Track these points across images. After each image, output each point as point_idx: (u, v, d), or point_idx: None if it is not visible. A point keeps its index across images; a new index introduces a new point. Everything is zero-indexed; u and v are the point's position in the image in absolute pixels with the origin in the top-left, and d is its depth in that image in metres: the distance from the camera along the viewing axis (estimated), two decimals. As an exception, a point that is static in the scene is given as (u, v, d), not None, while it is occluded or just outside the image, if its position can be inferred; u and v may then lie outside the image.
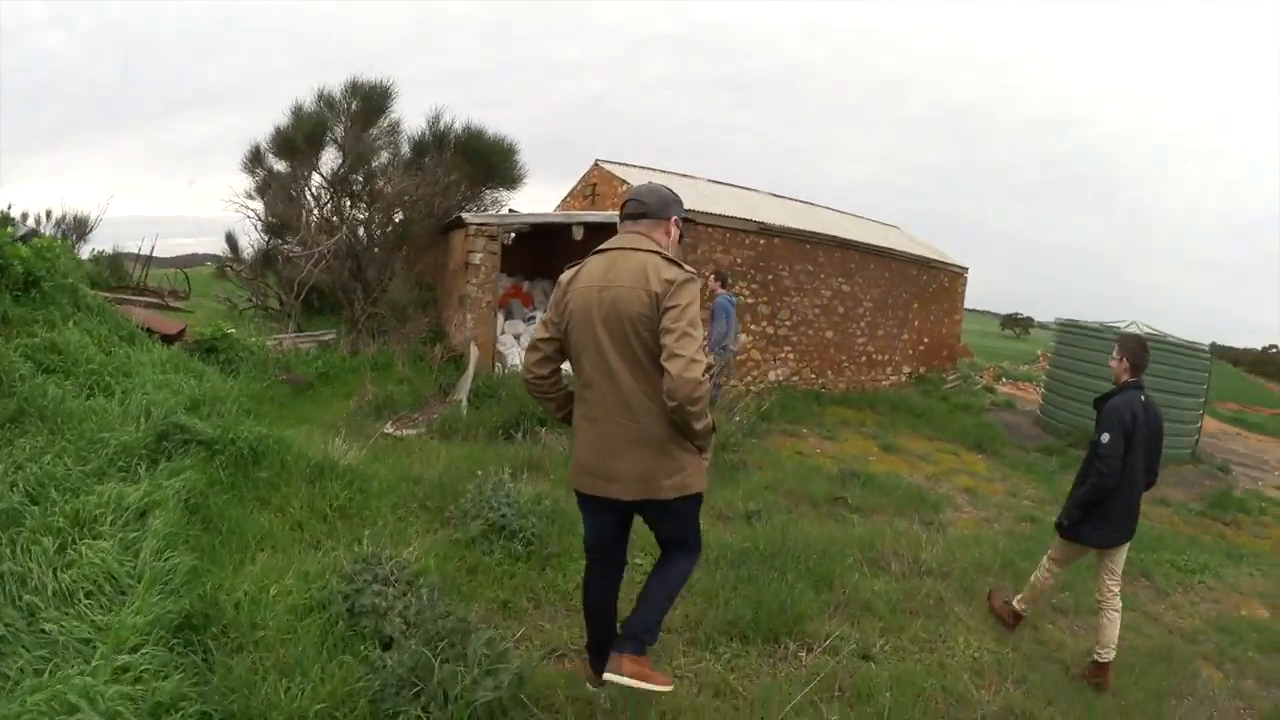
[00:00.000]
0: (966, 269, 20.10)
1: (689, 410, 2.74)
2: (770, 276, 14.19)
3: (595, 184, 15.57)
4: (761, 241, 13.94)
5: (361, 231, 13.52)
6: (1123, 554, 4.61)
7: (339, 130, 13.72)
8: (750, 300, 13.84)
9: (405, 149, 14.01)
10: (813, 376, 15.33)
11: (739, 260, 13.56)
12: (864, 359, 16.71)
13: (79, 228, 22.86)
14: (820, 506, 7.32)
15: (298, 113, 13.82)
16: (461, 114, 15.71)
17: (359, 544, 4.17)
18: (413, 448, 7.38)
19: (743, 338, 13.26)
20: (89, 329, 7.32)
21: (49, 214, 23.00)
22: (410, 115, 14.27)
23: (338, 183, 13.52)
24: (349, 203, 13.56)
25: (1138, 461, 4.45)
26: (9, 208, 20.31)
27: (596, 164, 15.77)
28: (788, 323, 14.68)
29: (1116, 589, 4.53)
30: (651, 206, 3.11)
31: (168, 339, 8.85)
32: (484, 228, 11.53)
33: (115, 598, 3.13)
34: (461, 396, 9.85)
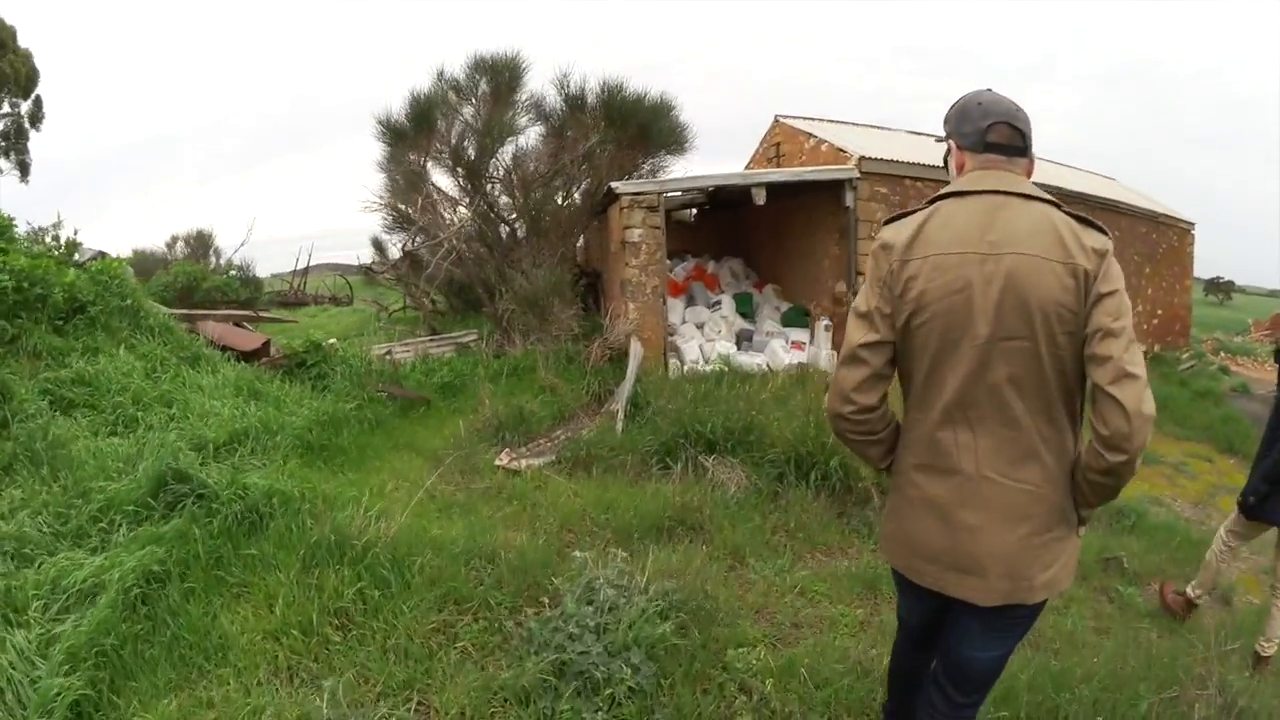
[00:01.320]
0: (1194, 224, 16.89)
1: (1128, 468, 1.79)
2: (987, 241, 11.36)
3: (779, 143, 13.21)
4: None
5: (494, 217, 11.48)
6: None
7: (466, 111, 11.91)
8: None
9: (531, 120, 11.88)
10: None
11: (953, 221, 10.82)
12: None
13: (202, 244, 22.67)
14: (1090, 578, 5.13)
15: (415, 100, 11.92)
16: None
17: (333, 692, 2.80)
18: (523, 490, 5.68)
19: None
20: (146, 352, 7.02)
21: (175, 238, 23.00)
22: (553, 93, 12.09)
23: (461, 165, 11.51)
24: (471, 186, 11.52)
25: None
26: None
27: (777, 120, 13.43)
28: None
29: None
30: (1029, 137, 2.02)
31: (245, 357, 7.97)
32: (640, 197, 9.29)
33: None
34: (619, 407, 7.75)
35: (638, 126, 11.21)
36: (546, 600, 3.75)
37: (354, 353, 9.05)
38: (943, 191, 2.03)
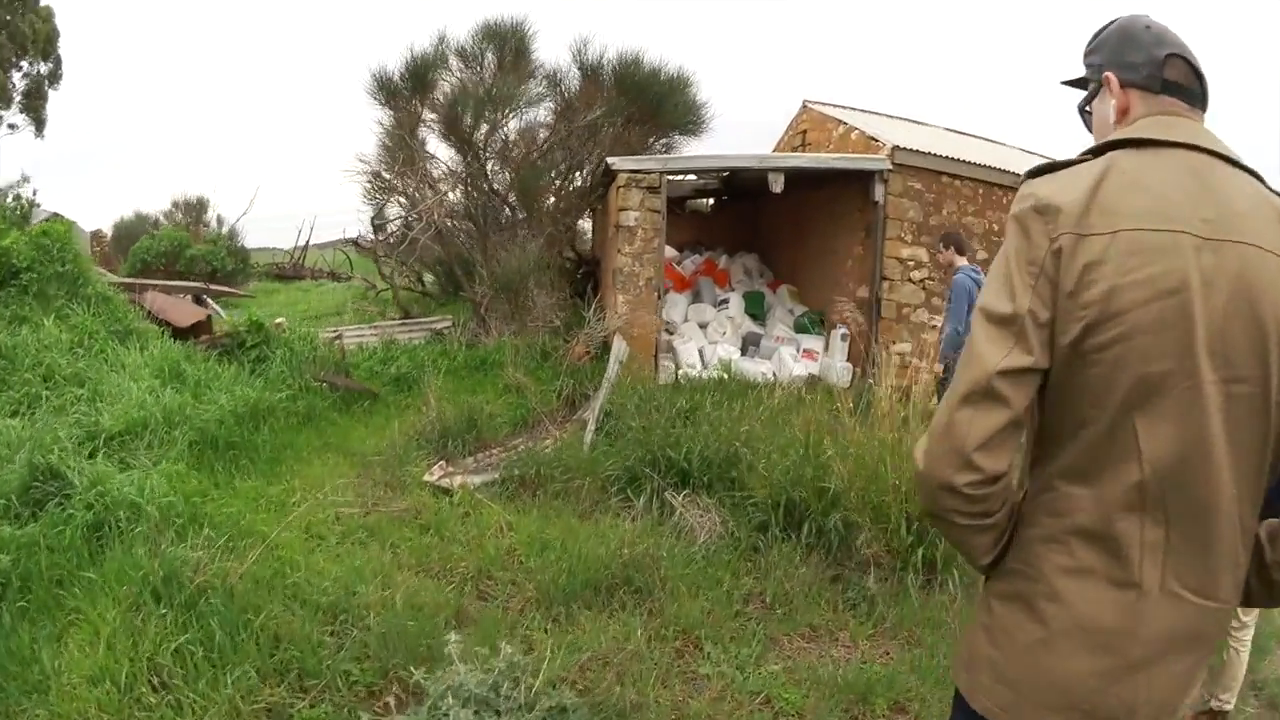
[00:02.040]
0: None
1: None
2: (1031, 250, 10.13)
3: (805, 130, 11.97)
4: (1021, 201, 9.91)
5: (486, 191, 10.43)
6: None
7: (467, 76, 10.88)
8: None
9: (543, 91, 10.75)
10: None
11: (995, 226, 9.60)
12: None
13: (197, 210, 21.98)
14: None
15: (413, 58, 10.86)
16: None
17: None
18: (445, 517, 4.75)
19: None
20: (76, 324, 6.70)
21: (175, 203, 22.45)
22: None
23: (454, 133, 10.44)
24: (464, 156, 10.46)
25: None
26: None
27: (805, 106, 12.16)
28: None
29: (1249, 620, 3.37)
30: (1207, 86, 1.42)
31: (180, 334, 7.46)
32: (639, 176, 8.18)
33: None
34: (591, 416, 6.68)
35: (650, 101, 10.03)
36: (399, 698, 2.74)
37: (300, 335, 8.11)
38: (1112, 138, 1.37)
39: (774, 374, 8.65)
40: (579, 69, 10.48)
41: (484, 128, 10.46)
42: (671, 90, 10.10)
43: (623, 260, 8.27)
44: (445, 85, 10.93)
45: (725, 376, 8.32)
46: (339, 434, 6.51)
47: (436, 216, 10.67)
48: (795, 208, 10.46)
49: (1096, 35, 1.50)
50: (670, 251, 12.38)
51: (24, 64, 22.56)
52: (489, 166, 10.49)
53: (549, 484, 5.26)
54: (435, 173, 11.14)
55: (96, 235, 22.02)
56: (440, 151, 10.92)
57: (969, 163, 9.26)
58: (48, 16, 22.19)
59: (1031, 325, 1.25)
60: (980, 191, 9.45)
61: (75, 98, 67.52)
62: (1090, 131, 1.52)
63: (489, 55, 10.87)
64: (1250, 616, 3.43)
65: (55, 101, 23.59)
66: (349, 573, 3.73)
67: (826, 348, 9.09)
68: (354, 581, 3.63)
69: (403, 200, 11.64)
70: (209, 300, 12.15)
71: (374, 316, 12.38)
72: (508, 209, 10.27)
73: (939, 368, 6.40)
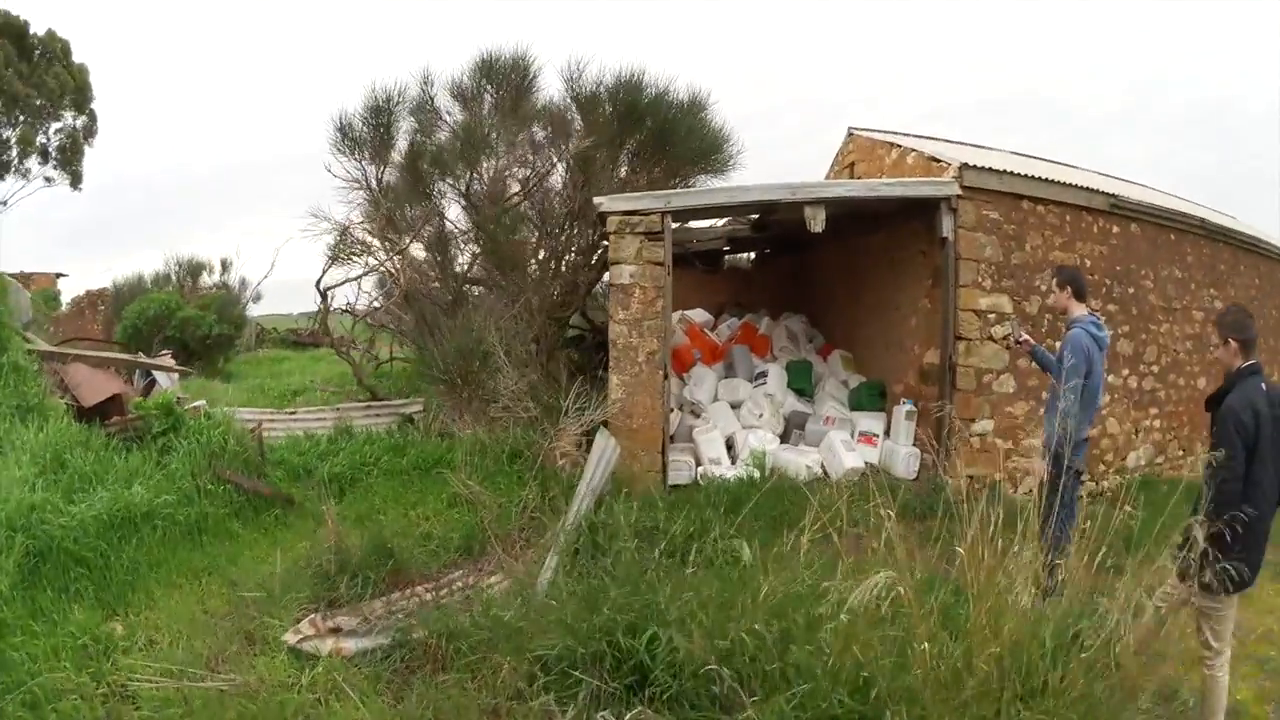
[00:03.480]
0: None
1: None
2: (1130, 289, 8.10)
3: (853, 163, 10.05)
4: (1115, 230, 7.91)
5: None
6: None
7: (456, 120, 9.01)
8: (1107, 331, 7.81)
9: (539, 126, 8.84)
10: (1180, 454, 9.09)
11: (1087, 261, 7.60)
12: (1231, 418, 10.27)
13: (192, 271, 20.55)
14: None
15: (374, 100, 9.09)
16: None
17: None
18: (285, 710, 3.34)
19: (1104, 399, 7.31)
20: None
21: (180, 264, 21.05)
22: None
23: (419, 181, 8.63)
24: (428, 205, 8.62)
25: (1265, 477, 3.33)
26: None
27: (851, 135, 10.30)
28: (1155, 367, 8.51)
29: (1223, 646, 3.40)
30: None
31: (85, 413, 6.61)
32: (633, 219, 6.26)
33: None
34: (552, 547, 4.93)
35: (656, 130, 8.07)
36: None
37: (216, 422, 6.59)
38: None
39: (823, 466, 6.62)
40: (573, 99, 8.54)
41: (456, 178, 8.64)
42: (682, 115, 8.11)
43: (617, 329, 6.32)
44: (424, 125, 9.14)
45: (758, 475, 6.32)
46: (231, 552, 5.32)
47: (402, 279, 8.82)
48: (848, 257, 8.54)
49: None
50: (701, 315, 10.45)
51: (61, 117, 22.91)
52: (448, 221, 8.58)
53: (459, 659, 3.58)
54: (400, 228, 9.28)
55: (95, 296, 20.78)
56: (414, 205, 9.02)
57: (1058, 182, 7.30)
58: (82, 72, 22.55)
59: None
60: (1069, 219, 7.48)
61: (114, 151, 67.27)
62: None
63: (487, 96, 9.03)
64: (1224, 642, 3.39)
65: (93, 156, 23.79)
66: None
67: (888, 430, 7.05)
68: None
69: (371, 260, 9.77)
70: (161, 375, 10.21)
71: (339, 397, 10.44)
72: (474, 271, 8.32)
73: (1043, 464, 4.44)
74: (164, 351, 12.95)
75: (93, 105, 23.22)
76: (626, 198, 6.44)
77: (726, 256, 11.38)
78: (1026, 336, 5.09)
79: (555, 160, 8.06)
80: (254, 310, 20.37)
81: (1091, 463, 7.86)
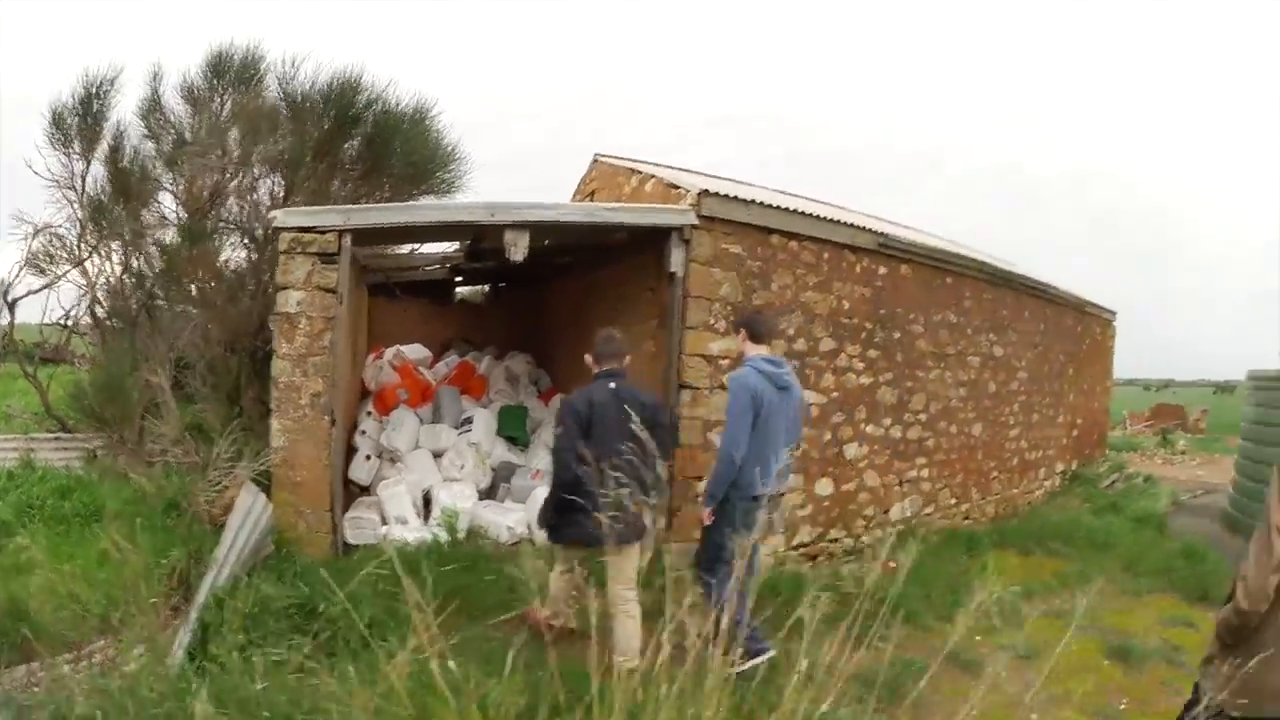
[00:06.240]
0: (1115, 315, 14.55)
1: None
2: (896, 334, 7.71)
3: (595, 189, 9.31)
4: (882, 271, 7.49)
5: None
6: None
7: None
8: (866, 378, 7.34)
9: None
10: (952, 502, 8.88)
11: (845, 304, 7.11)
12: (1015, 461, 10.46)
13: None
14: None
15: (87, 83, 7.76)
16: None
17: None
18: None
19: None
20: None
21: None
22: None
23: (116, 173, 7.35)
24: (124, 208, 7.34)
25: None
26: None
27: (596, 161, 9.60)
28: (922, 416, 8.16)
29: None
30: None
31: None
32: (306, 238, 5.22)
33: None
34: (183, 625, 4.12)
35: (369, 139, 7.06)
36: None
37: None
38: None
39: (529, 527, 5.78)
40: (284, 101, 7.42)
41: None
42: (401, 124, 7.11)
43: (280, 366, 5.27)
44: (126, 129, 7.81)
45: (451, 538, 5.43)
46: None
47: (92, 291, 7.49)
48: (580, 293, 7.81)
49: None
50: (419, 351, 9.46)
51: None
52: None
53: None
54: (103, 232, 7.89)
55: None
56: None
57: (816, 217, 6.76)
58: None
59: None
60: (827, 257, 6.97)
61: None
62: None
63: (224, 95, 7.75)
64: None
65: None
66: None
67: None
68: None
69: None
70: None
71: (31, 426, 8.89)
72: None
73: (706, 510, 4.36)
74: None
75: None
76: (302, 212, 5.39)
77: (459, 289, 10.48)
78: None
79: (252, 166, 6.91)
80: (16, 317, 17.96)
81: (850, 517, 7.39)
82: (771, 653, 3.83)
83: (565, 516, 4.04)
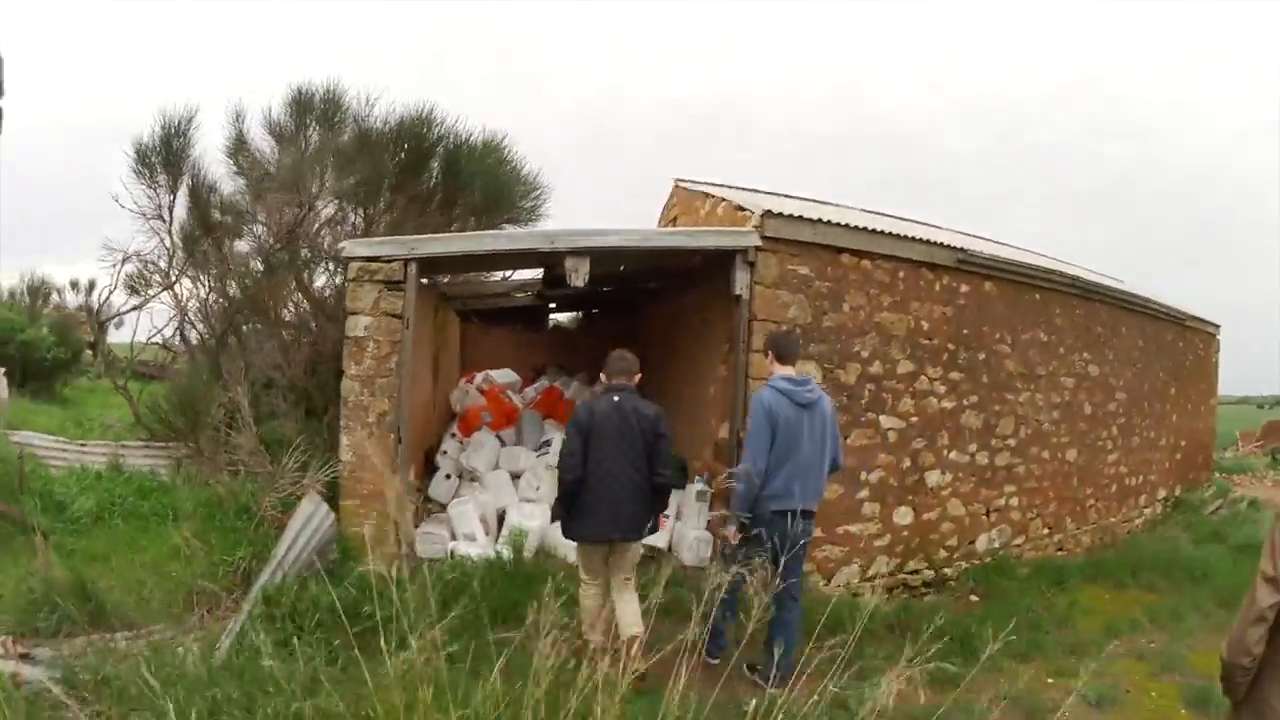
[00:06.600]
0: (1219, 328, 13.59)
1: None
2: (981, 355, 7.36)
3: (676, 216, 9.29)
4: (963, 289, 7.18)
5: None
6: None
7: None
8: (949, 402, 7.03)
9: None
10: (1045, 532, 8.38)
11: (924, 324, 6.84)
12: (1114, 487, 9.79)
13: (35, 295, 19.27)
14: None
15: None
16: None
17: None
18: None
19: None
20: None
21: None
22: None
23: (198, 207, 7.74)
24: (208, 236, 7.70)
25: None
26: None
27: (676, 187, 9.61)
28: (1011, 441, 7.76)
29: None
30: None
31: None
32: (373, 266, 5.33)
33: None
34: (235, 617, 4.45)
35: (445, 170, 7.22)
36: None
37: None
38: None
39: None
40: (361, 137, 7.64)
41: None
42: (476, 158, 7.24)
43: (349, 385, 5.42)
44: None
45: (513, 556, 5.44)
46: None
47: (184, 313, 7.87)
48: (670, 317, 7.77)
49: None
50: (508, 376, 9.66)
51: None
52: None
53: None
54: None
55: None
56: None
57: (888, 234, 6.54)
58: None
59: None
60: (903, 275, 6.72)
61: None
62: None
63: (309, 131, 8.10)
64: None
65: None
66: None
67: (679, 511, 6.18)
68: None
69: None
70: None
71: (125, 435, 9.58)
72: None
73: (731, 529, 4.39)
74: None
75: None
76: (368, 242, 5.55)
77: (552, 316, 10.58)
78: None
79: (334, 198, 7.16)
80: (115, 336, 19.23)
81: (931, 548, 7.07)
82: (716, 662, 3.96)
83: (574, 514, 4.25)
